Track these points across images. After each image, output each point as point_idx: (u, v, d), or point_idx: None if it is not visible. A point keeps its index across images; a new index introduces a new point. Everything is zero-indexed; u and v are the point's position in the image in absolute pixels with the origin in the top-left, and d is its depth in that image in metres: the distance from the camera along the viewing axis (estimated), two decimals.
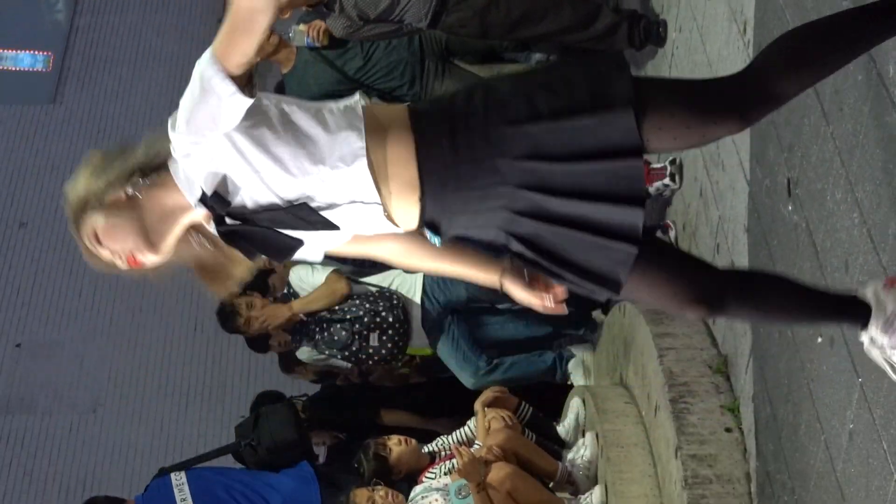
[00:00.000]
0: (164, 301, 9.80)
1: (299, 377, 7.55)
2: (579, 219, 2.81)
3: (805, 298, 3.17)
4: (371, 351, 6.54)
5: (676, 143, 2.87)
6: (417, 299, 6.54)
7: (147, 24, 11.77)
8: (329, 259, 6.39)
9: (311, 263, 6.52)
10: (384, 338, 6.52)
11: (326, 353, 6.60)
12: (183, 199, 2.86)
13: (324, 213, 2.83)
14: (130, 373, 9.63)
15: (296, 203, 2.80)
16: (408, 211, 2.88)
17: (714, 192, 5.24)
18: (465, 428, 6.06)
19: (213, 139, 2.73)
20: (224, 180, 2.79)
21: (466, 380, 6.52)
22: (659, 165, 5.95)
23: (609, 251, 2.84)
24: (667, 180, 5.90)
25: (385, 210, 2.85)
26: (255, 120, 2.75)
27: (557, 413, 6.31)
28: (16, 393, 9.59)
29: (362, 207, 2.84)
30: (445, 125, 2.81)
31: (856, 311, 3.08)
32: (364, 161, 2.78)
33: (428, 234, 2.95)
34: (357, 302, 6.53)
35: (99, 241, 2.90)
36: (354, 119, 2.82)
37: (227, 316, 6.63)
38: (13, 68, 11.48)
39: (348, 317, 6.52)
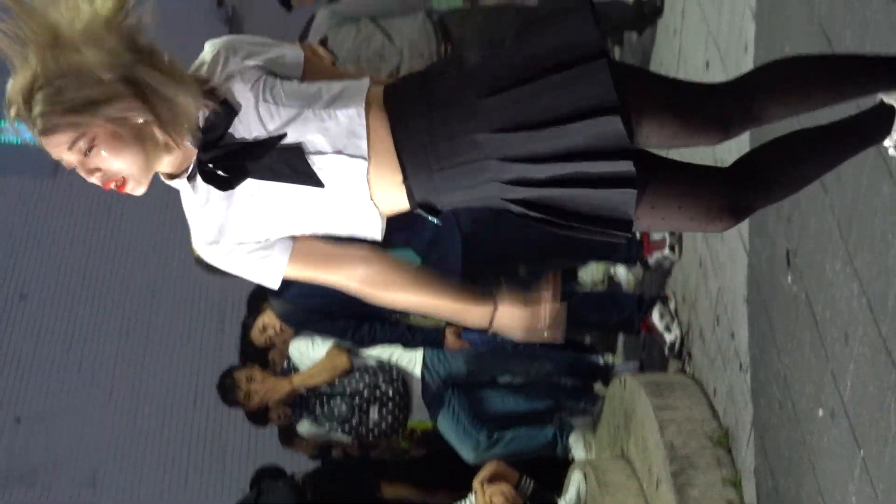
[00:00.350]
0: (163, 374, 9.79)
1: (299, 451, 7.50)
2: (569, 178, 2.70)
3: (823, 143, 3.00)
4: (371, 424, 6.50)
5: (649, 140, 2.82)
6: (417, 373, 6.51)
7: None
8: (328, 333, 6.39)
9: (311, 338, 6.49)
10: (384, 411, 6.48)
11: (327, 426, 6.57)
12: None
13: (311, 160, 2.73)
14: (130, 445, 9.60)
15: (289, 142, 2.71)
16: (395, 194, 2.78)
17: (713, 264, 5.23)
18: (466, 502, 6.01)
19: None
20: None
21: (467, 454, 6.47)
22: (658, 237, 5.95)
23: (608, 198, 2.72)
24: (666, 251, 5.90)
25: (368, 169, 2.73)
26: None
27: (558, 487, 6.26)
28: (15, 467, 9.56)
29: (347, 161, 2.72)
30: (420, 105, 2.75)
31: (876, 122, 2.96)
32: (362, 104, 2.74)
33: (423, 213, 2.83)
34: (357, 375, 6.50)
35: (89, 149, 2.62)
36: (359, 86, 2.80)
37: (227, 389, 6.59)
38: (15, 140, 11.54)
39: (348, 390, 6.49)
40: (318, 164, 2.72)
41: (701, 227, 2.87)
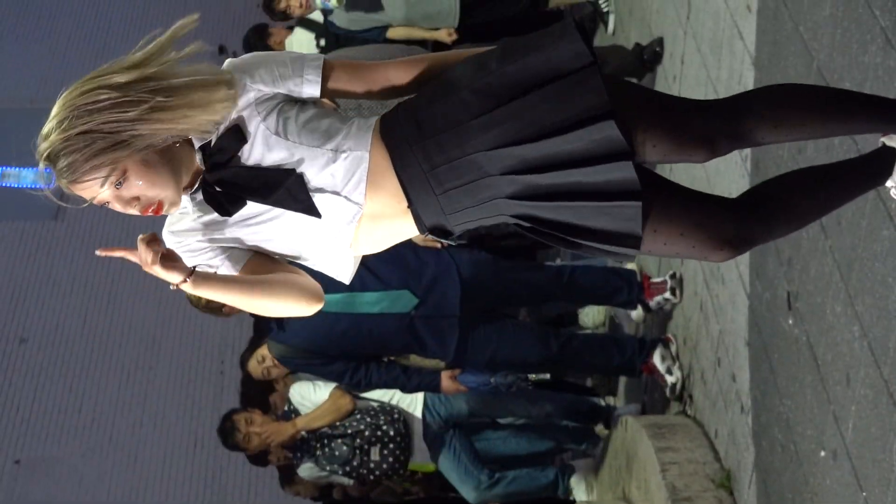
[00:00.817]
0: (163, 417, 9.77)
1: (300, 495, 7.49)
2: (573, 188, 2.72)
3: (827, 182, 3.01)
4: (372, 465, 6.51)
5: (642, 154, 2.82)
6: (419, 413, 6.53)
7: None
8: (325, 376, 6.41)
9: (312, 381, 6.52)
10: (385, 452, 6.49)
11: (328, 469, 6.57)
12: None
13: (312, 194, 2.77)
14: (130, 489, 9.56)
15: (292, 171, 2.75)
16: (402, 222, 2.83)
17: (714, 306, 5.26)
18: None
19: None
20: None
21: (468, 494, 6.48)
22: (659, 280, 5.99)
23: (614, 211, 2.72)
24: (667, 294, 5.94)
25: (361, 215, 2.78)
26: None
27: None
28: None
29: (342, 203, 2.77)
30: (413, 131, 2.76)
31: (879, 165, 3.01)
32: (368, 152, 2.76)
33: (435, 238, 2.89)
34: (358, 416, 6.51)
35: (120, 181, 2.65)
36: (367, 126, 2.81)
37: (227, 432, 6.60)
38: (16, 185, 11.57)
39: (349, 431, 6.49)
40: (315, 199, 2.76)
41: (702, 255, 2.87)
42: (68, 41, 12.67)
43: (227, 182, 2.75)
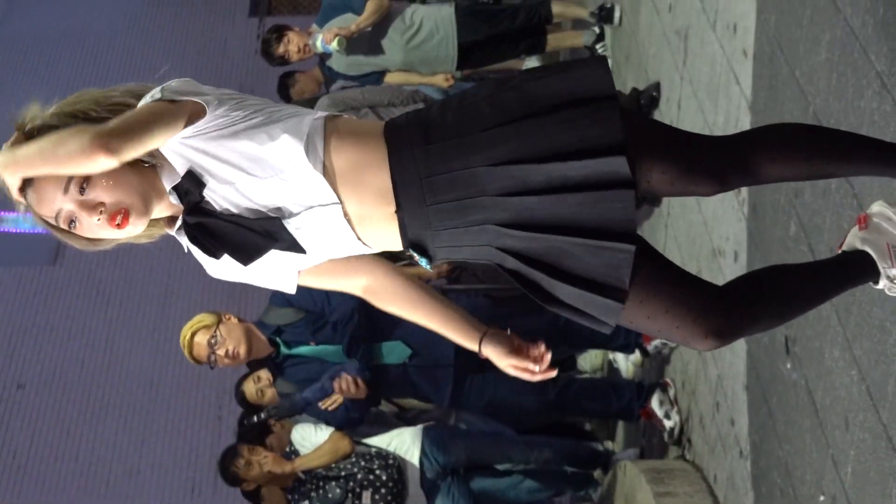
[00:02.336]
0: (161, 463, 9.74)
1: None
2: (567, 220, 2.64)
3: (817, 279, 2.94)
4: None
5: (650, 185, 2.77)
6: (415, 460, 6.52)
7: None
8: (328, 421, 6.42)
9: (315, 424, 6.53)
10: (377, 497, 6.47)
11: None
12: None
13: (291, 232, 2.68)
14: None
15: (266, 216, 2.67)
16: (386, 227, 2.73)
17: (713, 351, 5.26)
18: None
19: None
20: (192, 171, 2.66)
21: None
22: None
23: (605, 253, 2.64)
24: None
25: (343, 211, 2.67)
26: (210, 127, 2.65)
27: None
28: None
29: (322, 212, 2.67)
30: (419, 134, 2.68)
31: (862, 267, 2.93)
32: (301, 152, 2.61)
33: (415, 255, 2.77)
34: (353, 460, 6.53)
35: (83, 185, 2.60)
36: (298, 125, 2.67)
37: (228, 461, 6.60)
38: (14, 230, 11.59)
39: (343, 474, 6.50)
40: (295, 224, 2.68)
41: (685, 339, 2.79)
42: (67, 88, 12.70)
43: (208, 230, 2.69)
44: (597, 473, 6.66)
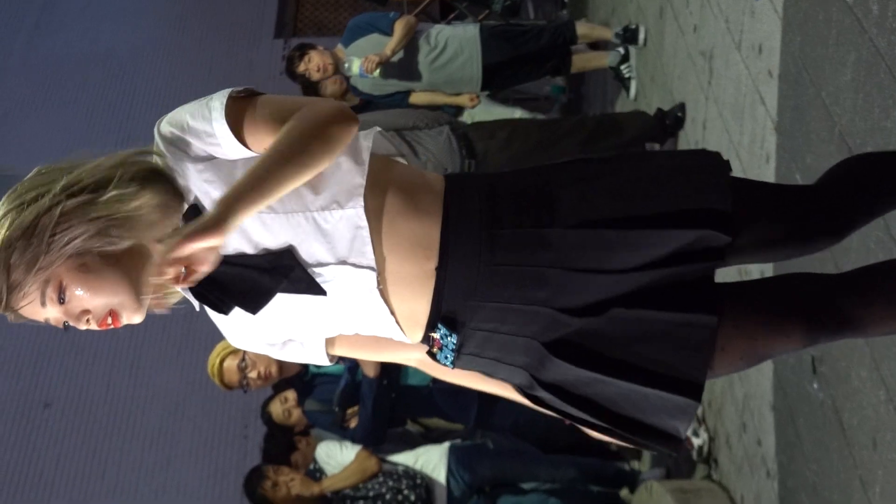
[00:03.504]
0: (187, 482, 9.76)
1: None
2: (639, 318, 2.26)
3: None
4: None
5: (763, 257, 2.53)
6: (442, 479, 6.53)
7: None
8: (351, 438, 6.44)
9: (340, 442, 6.55)
10: None
11: None
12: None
13: (311, 271, 2.28)
14: None
15: (277, 252, 2.26)
16: (413, 291, 2.30)
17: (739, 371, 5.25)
18: None
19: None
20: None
21: None
22: None
23: (678, 354, 2.28)
24: None
25: (378, 279, 2.27)
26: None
27: None
28: None
29: (352, 273, 2.26)
30: (483, 187, 2.33)
31: None
32: (361, 202, 2.23)
33: (437, 337, 2.33)
34: (381, 479, 6.53)
35: (62, 295, 2.23)
36: (360, 149, 2.31)
37: (254, 482, 6.62)
38: None
39: (371, 494, 6.50)
40: (320, 273, 2.28)
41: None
42: (93, 110, 12.79)
43: (210, 279, 2.23)
44: (623, 493, 6.65)
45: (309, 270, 2.27)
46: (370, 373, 6.19)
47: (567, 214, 2.26)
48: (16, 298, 2.23)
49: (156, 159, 2.31)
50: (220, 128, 2.27)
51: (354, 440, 6.54)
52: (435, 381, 5.96)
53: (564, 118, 8.36)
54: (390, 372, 6.16)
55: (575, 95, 9.70)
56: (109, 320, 2.28)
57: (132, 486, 9.85)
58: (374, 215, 2.25)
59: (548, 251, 2.25)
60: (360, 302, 2.31)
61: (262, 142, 2.27)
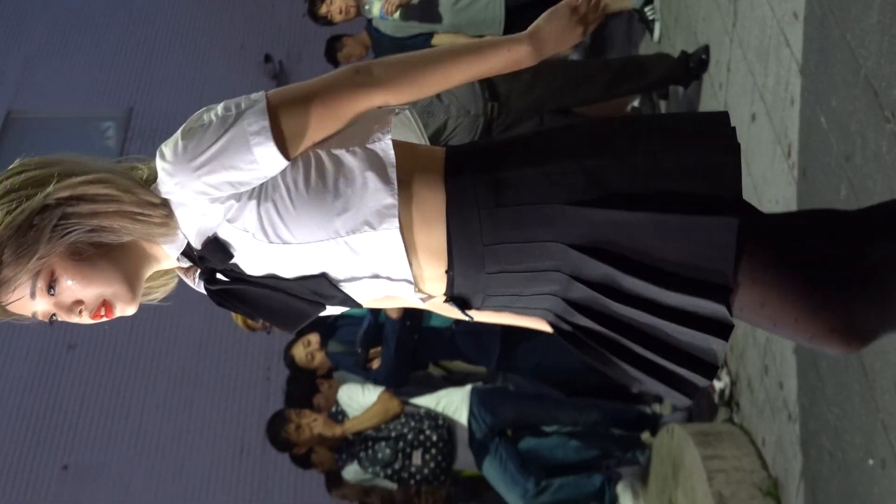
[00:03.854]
0: (210, 423, 9.83)
1: (346, 498, 7.51)
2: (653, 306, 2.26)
3: None
4: (414, 470, 6.54)
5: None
6: (464, 420, 6.56)
7: None
8: (376, 380, 6.47)
9: (362, 384, 6.59)
10: (427, 457, 6.52)
11: (370, 471, 6.61)
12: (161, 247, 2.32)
13: (343, 287, 2.32)
14: (176, 495, 9.62)
15: (309, 276, 2.28)
16: (433, 283, 2.36)
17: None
18: None
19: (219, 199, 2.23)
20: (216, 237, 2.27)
21: (514, 501, 6.50)
22: None
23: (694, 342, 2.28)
24: None
25: (416, 286, 2.33)
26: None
27: None
28: None
29: (387, 284, 2.33)
30: (488, 185, 2.28)
31: None
32: (395, 223, 2.23)
33: (453, 304, 2.41)
34: (403, 420, 6.57)
35: (52, 286, 2.22)
36: (385, 165, 2.26)
37: (278, 425, 6.66)
38: None
39: (393, 434, 6.54)
40: (348, 288, 2.34)
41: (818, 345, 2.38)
42: (115, 53, 12.78)
43: (236, 295, 2.32)
44: (644, 436, 6.67)
45: (341, 286, 2.30)
46: (393, 314, 6.21)
47: (569, 233, 2.25)
48: (4, 294, 2.21)
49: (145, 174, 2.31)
50: (267, 151, 2.20)
51: (377, 381, 6.58)
52: (457, 322, 5.97)
53: (588, 60, 8.31)
54: (413, 314, 6.17)
55: (598, 38, 9.63)
56: (102, 312, 2.27)
57: (155, 427, 9.92)
58: (404, 230, 2.26)
59: (550, 259, 2.27)
60: (395, 294, 2.37)
61: (314, 132, 2.25)
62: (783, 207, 4.84)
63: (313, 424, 6.59)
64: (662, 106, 7.09)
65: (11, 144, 11.88)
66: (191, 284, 2.44)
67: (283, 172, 2.22)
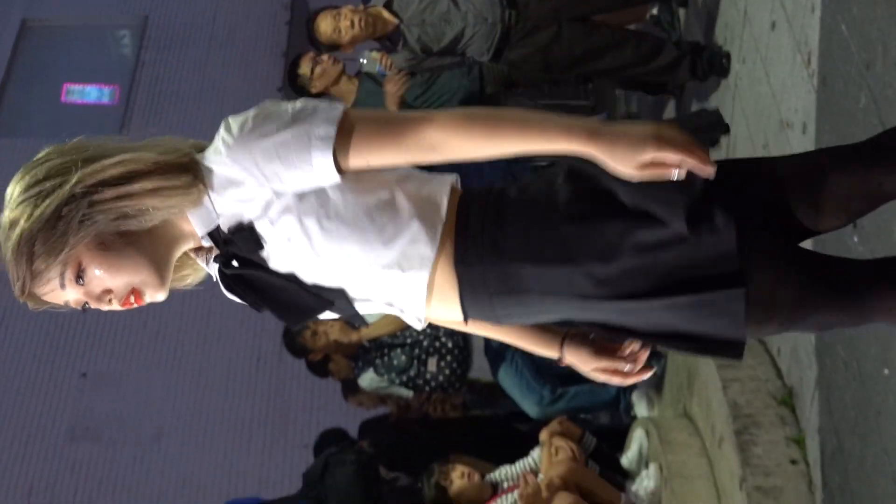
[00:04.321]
0: (227, 332, 9.88)
1: (363, 405, 7.56)
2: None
3: None
4: (429, 376, 6.57)
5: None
6: None
7: (212, 59, 11.91)
8: None
9: None
10: (442, 364, 6.55)
11: (386, 378, 6.64)
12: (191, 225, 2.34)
13: (356, 305, 2.41)
14: (194, 403, 9.70)
15: (328, 287, 2.36)
16: (442, 316, 2.46)
17: None
18: (529, 458, 6.07)
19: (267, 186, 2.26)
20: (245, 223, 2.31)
21: (530, 409, 6.53)
22: None
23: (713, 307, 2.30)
24: None
25: (424, 320, 2.44)
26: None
27: (621, 444, 6.31)
28: (81, 422, 9.68)
29: (398, 313, 2.43)
30: (489, 249, 2.33)
31: None
32: (427, 274, 2.33)
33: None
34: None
35: (80, 276, 2.26)
36: (435, 220, 2.34)
37: (295, 332, 6.68)
38: (80, 102, 11.65)
39: (408, 341, 6.57)
40: (361, 306, 2.43)
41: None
42: None
43: (248, 282, 2.36)
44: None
45: (355, 304, 2.39)
46: None
47: (570, 290, 2.32)
48: (38, 286, 2.26)
49: (185, 157, 2.31)
50: (323, 159, 2.23)
51: None
52: None
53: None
54: None
55: None
56: (132, 299, 2.30)
57: (173, 335, 9.98)
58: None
59: (552, 311, 2.40)
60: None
61: (376, 155, 2.27)
62: (802, 116, 4.80)
63: (329, 330, 6.62)
64: (681, 14, 7.01)
65: (27, 52, 11.85)
66: (201, 264, 2.47)
67: (334, 191, 2.27)
